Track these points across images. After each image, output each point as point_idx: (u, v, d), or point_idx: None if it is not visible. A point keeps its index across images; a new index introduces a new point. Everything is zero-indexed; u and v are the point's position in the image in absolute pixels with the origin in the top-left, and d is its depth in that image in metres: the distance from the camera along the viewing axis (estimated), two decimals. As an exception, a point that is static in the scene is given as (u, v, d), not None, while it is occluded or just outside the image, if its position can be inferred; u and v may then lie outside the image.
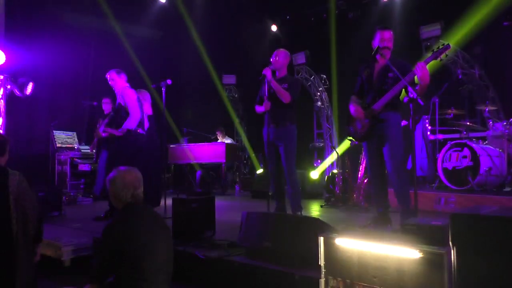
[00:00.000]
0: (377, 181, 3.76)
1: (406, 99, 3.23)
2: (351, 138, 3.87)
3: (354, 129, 3.78)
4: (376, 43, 3.62)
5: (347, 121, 3.87)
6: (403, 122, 3.91)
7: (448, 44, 3.38)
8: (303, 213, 4.40)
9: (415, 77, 3.32)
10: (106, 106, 6.89)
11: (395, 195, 3.58)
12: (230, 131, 10.21)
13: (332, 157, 8.63)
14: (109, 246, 2.11)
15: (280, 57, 4.33)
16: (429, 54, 3.45)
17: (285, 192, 4.41)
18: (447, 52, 3.38)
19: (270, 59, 4.37)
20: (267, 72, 4.19)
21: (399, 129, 3.59)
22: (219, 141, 8.57)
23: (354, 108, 3.75)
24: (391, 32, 3.63)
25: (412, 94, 3.11)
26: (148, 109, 5.74)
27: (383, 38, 3.58)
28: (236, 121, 11.06)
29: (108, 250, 2.10)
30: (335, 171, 6.39)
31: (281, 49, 4.41)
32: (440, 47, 3.36)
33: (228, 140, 8.64)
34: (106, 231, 2.15)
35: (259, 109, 4.35)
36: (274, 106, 4.21)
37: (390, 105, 3.53)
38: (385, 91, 3.51)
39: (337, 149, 7.51)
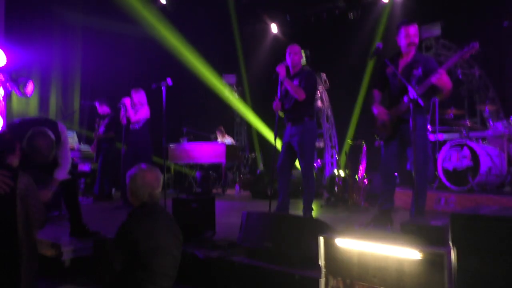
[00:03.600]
0: (388, 180, 3.70)
1: (406, 99, 3.21)
2: (376, 137, 3.81)
3: (378, 128, 3.71)
4: (401, 39, 3.53)
5: (372, 120, 3.79)
6: None
7: (475, 42, 3.23)
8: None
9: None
10: (102, 108, 6.92)
11: (414, 196, 3.51)
12: (230, 131, 10.22)
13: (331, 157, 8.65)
14: (123, 242, 2.11)
15: (297, 55, 4.24)
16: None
17: (289, 195, 4.34)
18: (475, 51, 3.25)
19: (288, 56, 4.26)
20: (281, 69, 4.13)
21: (424, 131, 3.50)
22: (218, 140, 8.57)
23: (376, 109, 3.66)
24: (417, 27, 3.52)
25: (412, 95, 3.09)
26: (146, 111, 5.76)
27: (408, 34, 3.49)
28: (236, 120, 11.07)
29: (122, 247, 2.10)
30: (335, 171, 6.38)
31: (295, 45, 4.30)
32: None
33: (228, 140, 8.64)
34: (122, 228, 2.15)
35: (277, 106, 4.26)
36: (289, 104, 4.17)
37: (416, 106, 3.36)
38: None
39: (337, 149, 7.53)
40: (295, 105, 4.17)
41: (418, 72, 3.38)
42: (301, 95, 4.07)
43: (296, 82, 4.15)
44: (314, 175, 7.33)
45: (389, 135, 3.62)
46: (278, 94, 4.20)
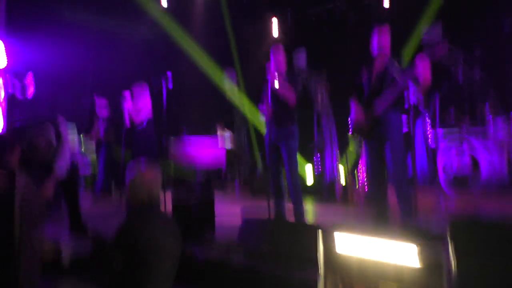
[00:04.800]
0: (376, 181, 3.75)
1: (406, 106, 3.25)
2: (355, 136, 3.88)
3: (356, 129, 3.79)
4: (374, 45, 3.64)
5: (351, 121, 3.87)
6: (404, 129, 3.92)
7: (445, 42, 3.36)
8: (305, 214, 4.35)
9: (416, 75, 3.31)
10: (101, 107, 6.93)
11: (396, 197, 3.58)
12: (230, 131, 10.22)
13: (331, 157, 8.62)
14: (122, 243, 2.11)
15: (281, 55, 4.30)
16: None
17: (284, 194, 4.38)
18: (447, 48, 3.37)
19: (271, 58, 4.31)
20: (272, 74, 4.17)
21: (400, 131, 3.59)
22: (218, 134, 8.61)
23: (355, 109, 3.76)
24: (388, 34, 3.63)
25: (413, 101, 3.12)
26: (148, 110, 5.75)
27: (380, 41, 3.60)
28: (237, 119, 11.06)
29: (121, 248, 2.11)
30: (335, 171, 6.38)
31: (280, 46, 4.37)
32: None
33: (227, 133, 8.70)
34: (121, 229, 2.16)
35: (262, 109, 4.33)
36: (276, 106, 4.20)
37: (390, 106, 3.53)
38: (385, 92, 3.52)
39: (337, 149, 7.49)
40: (281, 108, 4.20)
41: (390, 76, 3.45)
42: (292, 98, 4.14)
43: (285, 85, 4.18)
44: (314, 174, 7.35)
45: (366, 135, 3.69)
46: (269, 98, 4.20)
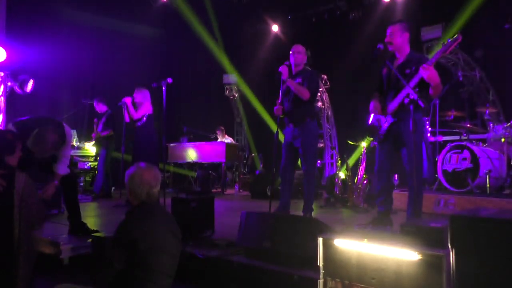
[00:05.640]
0: (383, 180, 3.70)
1: (406, 101, 3.22)
2: (371, 138, 3.82)
3: (373, 128, 3.71)
4: (387, 34, 3.60)
5: (369, 120, 3.78)
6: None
7: (458, 35, 3.25)
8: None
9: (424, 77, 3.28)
10: (99, 107, 6.94)
11: (408, 197, 3.53)
12: (230, 131, 10.21)
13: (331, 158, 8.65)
14: (122, 242, 2.10)
15: (300, 54, 4.24)
16: (437, 49, 3.42)
17: (290, 196, 4.34)
18: (457, 44, 3.27)
19: (291, 57, 4.24)
20: (284, 69, 4.12)
21: (418, 132, 3.45)
22: (219, 140, 8.57)
23: (373, 105, 3.69)
24: (393, 27, 3.58)
25: (413, 96, 3.09)
26: (148, 108, 5.75)
27: (387, 33, 3.57)
28: (237, 120, 11.08)
29: (121, 247, 2.10)
30: (336, 172, 6.38)
31: (299, 45, 4.31)
32: (445, 41, 3.30)
33: (228, 139, 8.64)
34: (121, 227, 2.15)
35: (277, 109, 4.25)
36: (291, 104, 4.17)
37: (408, 104, 3.37)
38: (402, 88, 3.45)
39: (337, 150, 7.51)
40: (297, 105, 4.16)
41: (410, 71, 3.40)
42: (305, 94, 4.07)
43: (298, 80, 4.15)
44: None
45: (383, 135, 3.62)
46: (280, 96, 4.18)
